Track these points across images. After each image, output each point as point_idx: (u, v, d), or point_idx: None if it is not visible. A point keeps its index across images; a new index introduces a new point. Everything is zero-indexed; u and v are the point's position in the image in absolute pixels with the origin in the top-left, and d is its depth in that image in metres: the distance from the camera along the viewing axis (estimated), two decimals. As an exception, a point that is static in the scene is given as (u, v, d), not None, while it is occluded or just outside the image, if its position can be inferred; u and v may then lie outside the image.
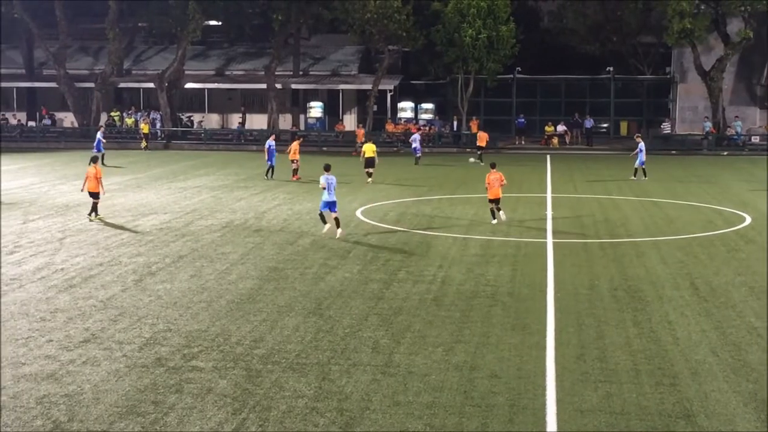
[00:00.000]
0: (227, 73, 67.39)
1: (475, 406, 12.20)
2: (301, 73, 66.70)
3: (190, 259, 21.83)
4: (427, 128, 61.87)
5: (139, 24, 67.36)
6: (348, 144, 57.49)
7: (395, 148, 57.53)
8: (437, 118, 65.70)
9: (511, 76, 64.38)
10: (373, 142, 40.72)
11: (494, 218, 27.42)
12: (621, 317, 16.76)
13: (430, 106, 66.26)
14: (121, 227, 26.62)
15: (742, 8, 57.10)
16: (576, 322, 16.30)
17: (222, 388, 12.82)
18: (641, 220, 28.56)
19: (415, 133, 51.52)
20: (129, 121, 64.26)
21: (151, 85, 63.72)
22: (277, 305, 17.47)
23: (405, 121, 64.30)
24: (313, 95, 66.93)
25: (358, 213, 29.53)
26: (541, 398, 12.48)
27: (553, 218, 28.66)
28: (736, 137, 59.30)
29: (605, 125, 66.74)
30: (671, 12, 55.94)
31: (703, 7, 58.70)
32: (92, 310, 17.07)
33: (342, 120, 64.93)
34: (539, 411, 12.03)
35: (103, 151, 45.39)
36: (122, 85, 67.00)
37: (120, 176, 40.81)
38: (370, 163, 38.57)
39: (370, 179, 38.09)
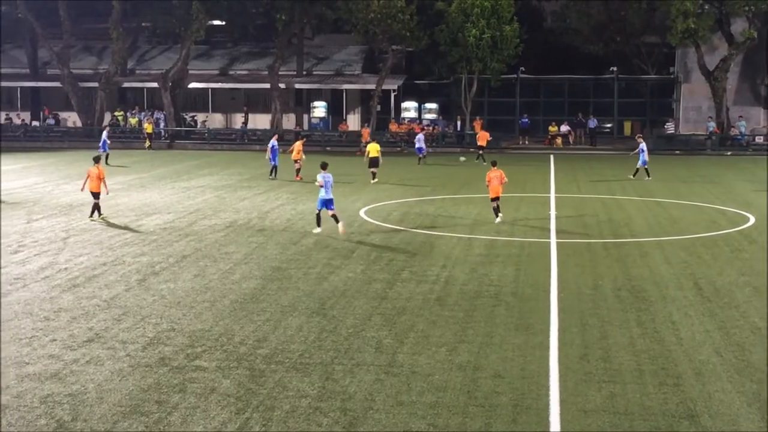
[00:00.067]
0: (231, 72, 67.37)
1: (479, 406, 12.19)
2: (304, 72, 66.70)
3: (194, 259, 21.85)
4: (431, 128, 61.82)
5: (143, 24, 67.42)
6: (351, 144, 57.50)
7: (398, 148, 57.50)
8: (441, 117, 65.57)
9: (515, 76, 64.33)
10: (377, 142, 40.85)
11: (497, 217, 27.44)
12: (624, 317, 16.74)
13: (433, 105, 66.13)
14: (125, 227, 26.64)
15: (746, 8, 56.96)
16: (579, 322, 16.29)
17: (225, 387, 12.83)
18: (645, 220, 28.52)
19: (419, 132, 51.51)
20: (133, 120, 64.31)
21: (155, 84, 63.75)
22: (281, 305, 17.48)
23: (408, 121, 64.21)
24: (317, 95, 66.90)
25: (362, 213, 29.54)
26: (545, 398, 12.47)
27: (557, 218, 28.65)
28: (739, 137, 59.21)
29: (609, 125, 66.67)
30: (675, 12, 55.88)
31: (707, 7, 58.60)
32: (96, 309, 17.08)
33: (345, 120, 64.86)
34: (542, 411, 12.02)
35: (107, 150, 45.59)
36: (126, 84, 67.14)
37: (123, 176, 40.84)
38: (374, 162, 38.67)
39: (374, 179, 38.17)
